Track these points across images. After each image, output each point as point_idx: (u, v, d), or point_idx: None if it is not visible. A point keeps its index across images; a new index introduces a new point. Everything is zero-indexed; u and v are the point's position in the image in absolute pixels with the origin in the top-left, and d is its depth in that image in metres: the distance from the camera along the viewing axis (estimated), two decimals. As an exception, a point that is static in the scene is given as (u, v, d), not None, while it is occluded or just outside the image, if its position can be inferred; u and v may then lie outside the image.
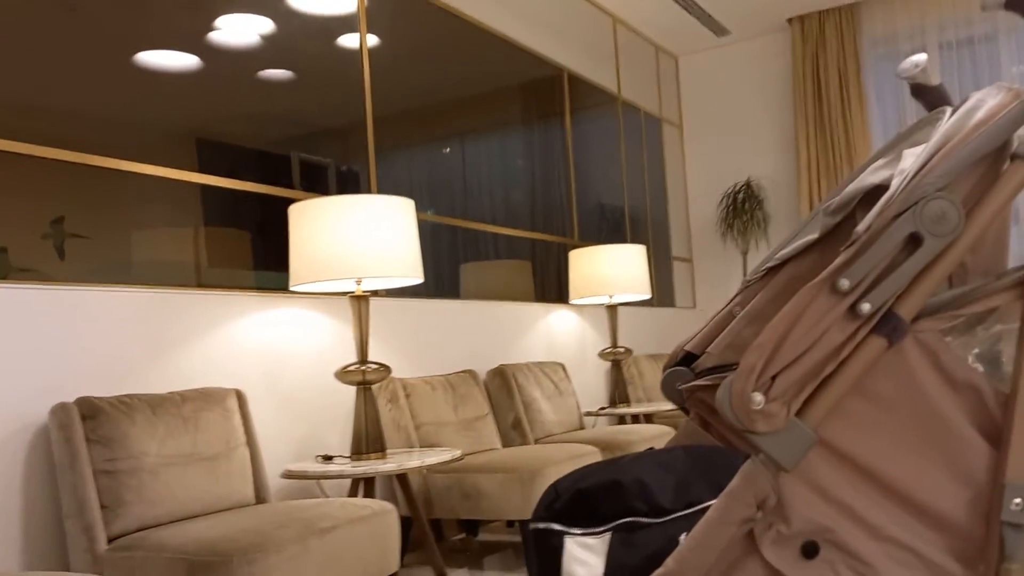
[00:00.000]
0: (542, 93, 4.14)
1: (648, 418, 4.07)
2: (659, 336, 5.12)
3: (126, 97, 2.19)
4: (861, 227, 0.92)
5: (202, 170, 2.38)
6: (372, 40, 3.05)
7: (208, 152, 2.40)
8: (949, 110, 1.06)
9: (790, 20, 5.25)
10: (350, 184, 2.92)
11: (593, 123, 4.58)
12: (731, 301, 1.18)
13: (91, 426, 1.90)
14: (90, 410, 1.91)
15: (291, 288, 2.40)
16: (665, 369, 1.18)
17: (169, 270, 2.27)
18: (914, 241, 0.89)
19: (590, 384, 4.29)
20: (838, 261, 0.91)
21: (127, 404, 1.98)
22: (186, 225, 2.33)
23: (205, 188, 2.38)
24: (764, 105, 5.50)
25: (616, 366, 3.96)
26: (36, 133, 1.98)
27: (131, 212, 2.19)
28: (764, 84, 5.51)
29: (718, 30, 5.33)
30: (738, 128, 5.59)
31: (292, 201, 2.65)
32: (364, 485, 2.43)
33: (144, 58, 2.25)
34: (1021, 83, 4.68)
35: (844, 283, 0.89)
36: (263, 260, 2.55)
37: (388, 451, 2.63)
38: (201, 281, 2.35)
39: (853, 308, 0.89)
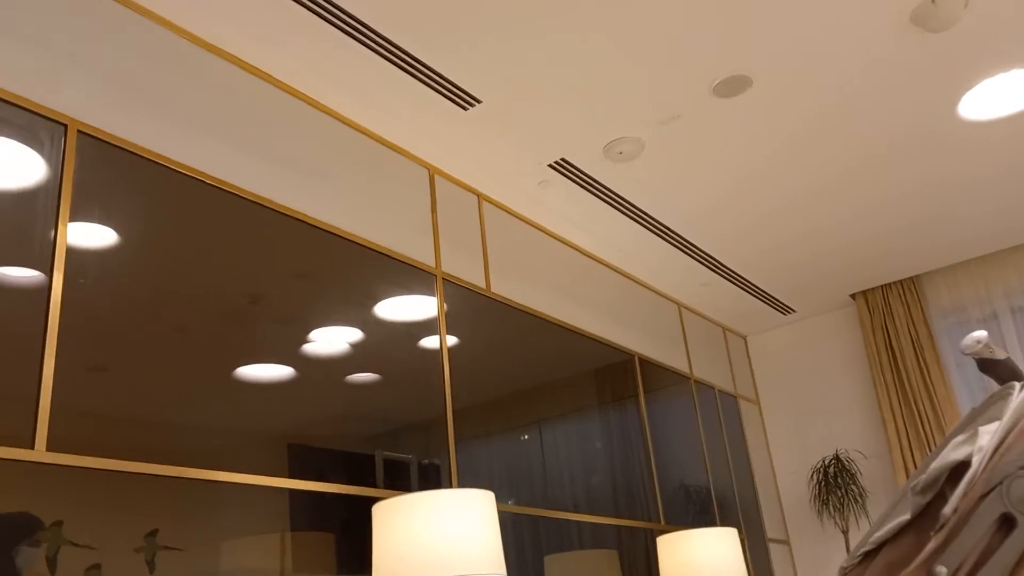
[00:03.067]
0: (615, 377, 4.25)
1: None
2: (764, 630, 4.70)
3: (225, 409, 2.35)
4: (948, 509, 0.91)
5: (292, 475, 2.46)
6: (451, 340, 3.24)
7: (298, 456, 2.50)
8: (1018, 385, 1.08)
9: (853, 295, 5.39)
10: (431, 478, 2.95)
11: (668, 403, 4.61)
12: (829, 591, 1.13)
13: None
14: None
15: (373, 591, 2.35)
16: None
17: (254, 576, 2.27)
18: (1007, 523, 0.87)
19: None
20: (931, 546, 0.89)
21: None
22: (274, 531, 2.37)
23: (293, 492, 2.45)
24: (841, 378, 5.48)
25: (719, 667, 3.60)
26: (143, 448, 2.12)
27: (223, 521, 2.25)
28: (838, 357, 5.53)
29: (783, 309, 5.49)
30: (818, 401, 5.53)
31: (375, 499, 2.68)
32: None
33: (244, 371, 2.44)
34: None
35: (941, 570, 0.86)
36: (346, 563, 2.53)
37: None
38: (284, 586, 2.33)
39: (956, 598, 0.84)
